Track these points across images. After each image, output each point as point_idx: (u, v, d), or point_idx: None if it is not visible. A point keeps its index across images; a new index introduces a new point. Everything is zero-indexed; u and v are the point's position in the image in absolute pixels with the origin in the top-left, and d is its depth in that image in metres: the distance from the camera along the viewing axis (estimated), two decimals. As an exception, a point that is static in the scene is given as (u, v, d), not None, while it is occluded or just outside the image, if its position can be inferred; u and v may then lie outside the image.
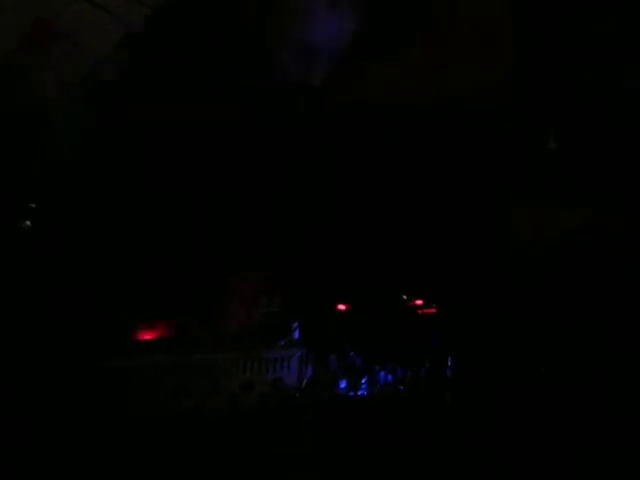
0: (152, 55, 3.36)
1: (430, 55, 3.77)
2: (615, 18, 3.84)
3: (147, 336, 2.82)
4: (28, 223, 3.01)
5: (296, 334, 2.99)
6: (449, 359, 3.21)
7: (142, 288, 3.05)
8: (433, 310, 3.50)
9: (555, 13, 3.82)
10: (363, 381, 3.09)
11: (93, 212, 3.29)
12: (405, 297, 3.49)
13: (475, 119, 3.74)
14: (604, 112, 3.80)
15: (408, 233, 3.65)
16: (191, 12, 3.40)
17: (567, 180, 3.81)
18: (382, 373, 3.14)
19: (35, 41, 3.18)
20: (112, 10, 3.19)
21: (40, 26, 3.19)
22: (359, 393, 3.07)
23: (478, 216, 3.69)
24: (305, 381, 2.95)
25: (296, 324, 2.97)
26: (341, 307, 3.34)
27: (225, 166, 3.48)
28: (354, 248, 3.59)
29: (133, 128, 3.33)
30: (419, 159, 3.73)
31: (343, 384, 3.05)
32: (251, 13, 3.57)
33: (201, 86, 3.41)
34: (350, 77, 3.68)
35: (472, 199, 3.73)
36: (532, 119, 3.88)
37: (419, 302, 3.54)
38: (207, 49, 3.39)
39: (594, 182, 3.79)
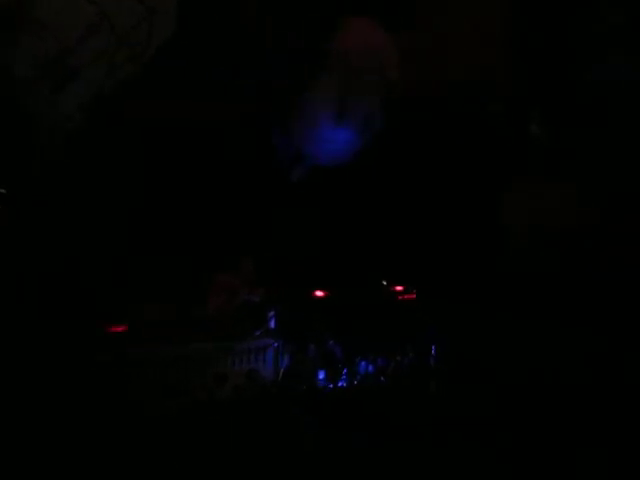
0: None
1: (419, 39, 3.65)
2: (611, 9, 3.76)
3: (116, 328, 2.67)
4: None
5: (272, 323, 2.84)
6: (433, 348, 3.08)
7: (112, 277, 2.89)
8: (414, 296, 3.38)
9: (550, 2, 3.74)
10: (343, 372, 2.95)
11: (69, 199, 3.14)
12: (385, 283, 3.36)
13: (465, 103, 3.64)
14: (598, 99, 3.71)
15: (389, 216, 3.53)
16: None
17: (559, 163, 3.73)
18: (363, 363, 3.01)
19: (2, 23, 3.05)
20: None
21: (8, 7, 3.07)
22: (339, 384, 2.93)
23: (465, 199, 3.58)
24: (281, 372, 2.81)
25: (272, 313, 2.83)
26: (319, 293, 3.21)
27: (210, 160, 3.35)
28: (332, 232, 3.47)
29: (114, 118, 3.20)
30: (405, 143, 3.61)
31: (322, 375, 2.91)
32: (251, 13, 3.45)
33: (193, 82, 3.29)
34: None
35: (460, 182, 3.62)
36: (524, 103, 3.78)
37: (399, 288, 3.41)
38: (196, 44, 3.27)
39: (587, 164, 3.71)
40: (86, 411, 2.56)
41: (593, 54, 3.70)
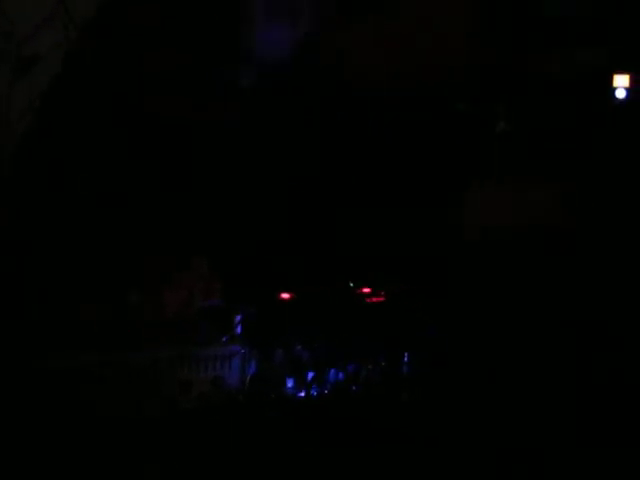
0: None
1: (383, 32, 3.55)
2: (568, 1, 3.73)
3: (77, 334, 2.48)
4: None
5: (238, 329, 2.68)
6: (404, 355, 2.95)
7: (71, 280, 2.71)
8: (382, 299, 3.25)
9: None
10: (311, 379, 2.80)
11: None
12: (352, 285, 3.23)
13: (429, 98, 3.54)
14: (559, 92, 3.67)
15: (355, 216, 3.41)
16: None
17: (521, 162, 3.67)
18: (332, 370, 2.86)
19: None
20: None
21: None
22: (307, 392, 2.78)
23: (430, 198, 3.48)
24: (248, 379, 2.65)
25: (238, 318, 2.67)
26: (285, 296, 3.06)
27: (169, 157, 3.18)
28: (296, 233, 3.32)
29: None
30: (369, 139, 3.50)
31: (290, 383, 2.76)
32: None
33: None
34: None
35: (424, 181, 3.52)
36: (487, 99, 3.71)
37: (367, 290, 3.29)
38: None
39: (549, 163, 3.66)
40: (39, 421, 2.38)
41: (550, 47, 3.65)
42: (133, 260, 2.88)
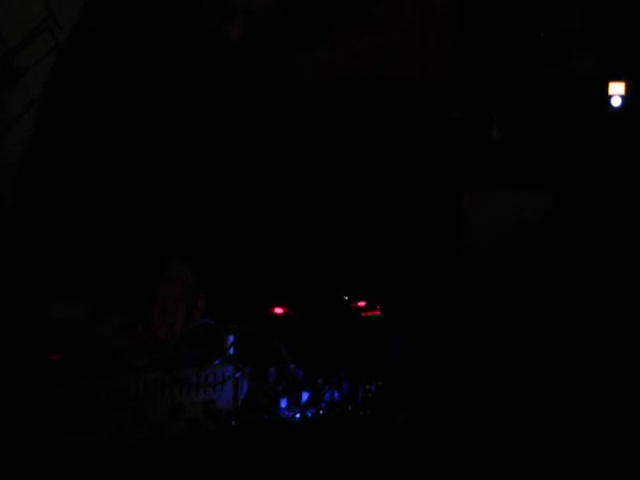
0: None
1: (372, 39, 3.53)
2: (567, 8, 3.73)
3: (55, 356, 2.39)
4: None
5: (231, 350, 2.60)
6: (402, 373, 2.88)
7: (49, 296, 2.61)
8: (378, 312, 3.18)
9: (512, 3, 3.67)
10: (305, 399, 2.72)
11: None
12: (346, 298, 3.15)
13: (421, 106, 3.52)
14: (553, 99, 3.68)
15: (349, 226, 3.35)
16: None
17: (516, 165, 3.68)
18: (327, 389, 2.78)
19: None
20: None
21: None
22: (302, 413, 2.70)
23: (424, 206, 3.45)
24: (241, 400, 2.56)
25: (231, 339, 2.58)
26: (277, 311, 2.98)
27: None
28: (286, 244, 3.26)
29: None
30: (360, 149, 3.46)
31: (284, 403, 2.68)
32: None
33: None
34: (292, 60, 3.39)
35: (418, 188, 3.48)
36: (480, 105, 3.71)
37: (362, 303, 3.21)
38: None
39: (545, 171, 3.66)
40: (20, 447, 2.28)
41: (544, 55, 3.65)
42: (119, 276, 2.79)
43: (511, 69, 3.68)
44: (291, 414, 2.61)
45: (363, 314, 2.99)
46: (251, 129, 3.24)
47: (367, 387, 2.66)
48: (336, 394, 2.68)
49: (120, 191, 2.96)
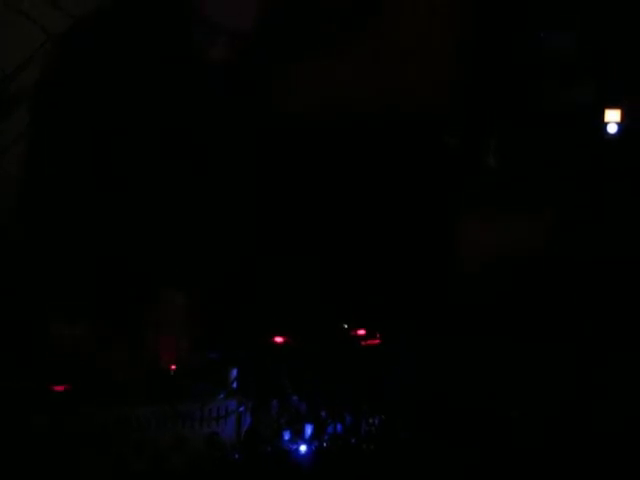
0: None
1: (369, 57, 3.53)
2: (563, 35, 3.75)
3: (58, 387, 2.37)
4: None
5: (235, 384, 2.58)
6: (403, 404, 2.87)
7: (50, 325, 2.60)
8: (377, 341, 3.17)
9: (503, 24, 3.69)
10: (308, 432, 2.71)
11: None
12: (346, 326, 3.14)
13: (416, 129, 3.52)
14: (550, 125, 3.70)
15: (348, 254, 3.35)
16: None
17: (512, 192, 3.69)
18: (330, 422, 2.77)
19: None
20: (31, 15, 2.83)
21: None
22: (305, 446, 2.69)
23: (422, 232, 3.45)
24: (244, 432, 2.55)
25: (235, 373, 2.57)
26: (278, 340, 2.96)
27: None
28: (286, 272, 3.26)
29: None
30: (356, 172, 3.46)
31: (287, 436, 2.66)
32: None
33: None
34: (277, 79, 3.38)
35: (415, 214, 3.48)
36: (477, 131, 3.72)
37: (361, 332, 3.20)
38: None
39: (541, 197, 3.68)
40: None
41: (540, 81, 3.67)
42: (117, 302, 2.78)
43: (507, 95, 3.70)
44: (294, 446, 2.59)
45: (363, 343, 2.97)
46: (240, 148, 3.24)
47: (370, 420, 2.65)
48: (339, 426, 2.67)
49: (118, 214, 2.95)
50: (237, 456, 2.45)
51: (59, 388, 2.38)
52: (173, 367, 2.55)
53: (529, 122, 3.68)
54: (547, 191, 3.60)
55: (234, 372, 2.50)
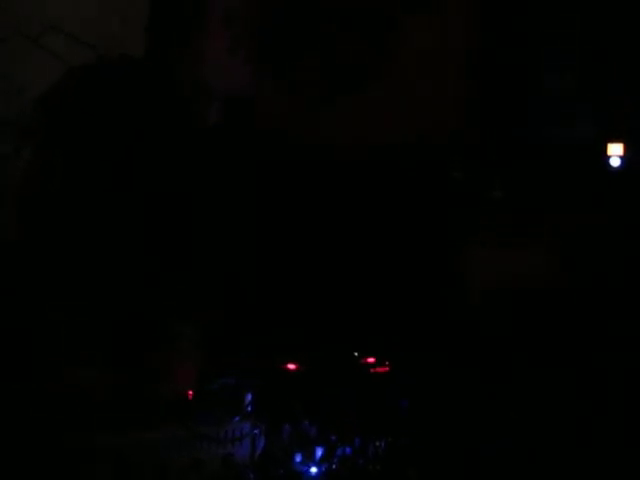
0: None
1: (380, 98, 3.61)
2: (569, 69, 3.81)
3: (83, 411, 2.49)
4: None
5: (249, 408, 2.70)
6: (410, 427, 2.97)
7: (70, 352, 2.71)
8: (386, 369, 3.26)
9: (510, 60, 3.75)
10: (319, 454, 2.82)
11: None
12: (357, 354, 3.24)
13: (426, 164, 3.59)
14: (553, 159, 3.74)
15: (355, 283, 3.43)
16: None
17: (518, 228, 3.72)
18: (340, 444, 2.88)
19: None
20: (51, 49, 2.93)
21: None
22: (316, 468, 2.79)
23: (429, 263, 3.52)
24: (258, 454, 2.66)
25: (249, 397, 2.69)
26: (291, 367, 3.07)
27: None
28: (297, 302, 3.34)
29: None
30: (367, 206, 3.53)
31: (299, 458, 2.77)
32: None
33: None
34: (296, 118, 3.47)
35: (423, 246, 3.55)
36: (482, 165, 3.77)
37: (371, 360, 3.30)
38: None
39: (546, 230, 3.72)
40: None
41: (544, 116, 3.72)
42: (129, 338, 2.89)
43: (511, 131, 3.75)
44: (306, 468, 2.69)
45: (372, 370, 3.06)
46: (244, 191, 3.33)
47: (377, 443, 2.75)
48: (348, 449, 2.77)
49: (134, 258, 3.05)
50: (251, 476, 2.55)
51: (89, 414, 2.48)
52: (191, 393, 2.65)
53: (533, 157, 3.73)
54: (550, 223, 3.65)
55: (249, 397, 2.61)
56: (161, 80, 3.20)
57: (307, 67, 3.60)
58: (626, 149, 3.84)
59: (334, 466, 2.76)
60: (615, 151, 3.85)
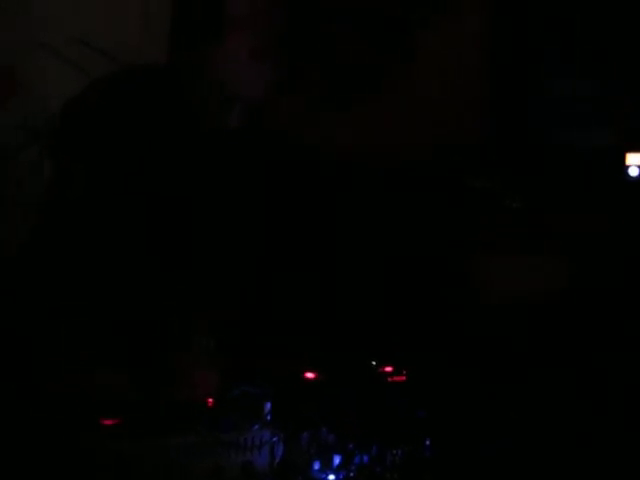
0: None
1: (398, 106, 3.65)
2: (587, 82, 3.83)
3: (106, 421, 2.54)
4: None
5: (269, 416, 2.75)
6: (427, 437, 3.01)
7: (94, 361, 2.77)
8: (403, 378, 3.31)
9: (530, 74, 3.78)
10: (337, 461, 2.86)
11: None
12: (374, 363, 3.29)
13: (444, 173, 3.63)
14: (571, 169, 3.77)
15: (373, 292, 3.48)
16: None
17: (532, 234, 3.76)
18: (357, 452, 2.92)
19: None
20: (75, 61, 3.00)
21: (1, 74, 3.01)
22: (334, 475, 2.84)
23: (446, 271, 3.56)
24: (277, 462, 2.71)
25: (269, 405, 2.74)
26: (309, 375, 3.12)
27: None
28: (317, 310, 3.39)
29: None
30: (384, 212, 3.57)
31: (317, 465, 2.82)
32: None
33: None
34: (313, 125, 3.51)
35: (441, 255, 3.59)
36: (498, 174, 3.81)
37: (389, 369, 3.34)
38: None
39: (563, 240, 3.74)
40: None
41: (560, 125, 3.75)
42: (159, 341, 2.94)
43: (528, 138, 3.78)
44: (324, 476, 2.74)
45: (390, 379, 3.11)
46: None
47: (394, 452, 2.79)
48: (365, 457, 2.81)
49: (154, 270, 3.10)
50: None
51: (108, 422, 2.53)
52: (211, 400, 2.70)
53: (549, 166, 3.76)
54: (567, 233, 3.68)
55: (268, 405, 2.65)
56: (182, 86, 3.24)
57: (322, 69, 3.64)
58: (645, 159, 3.88)
59: (352, 474, 2.80)
60: (634, 161, 3.88)
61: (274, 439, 2.70)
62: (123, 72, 3.21)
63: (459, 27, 3.84)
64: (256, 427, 2.69)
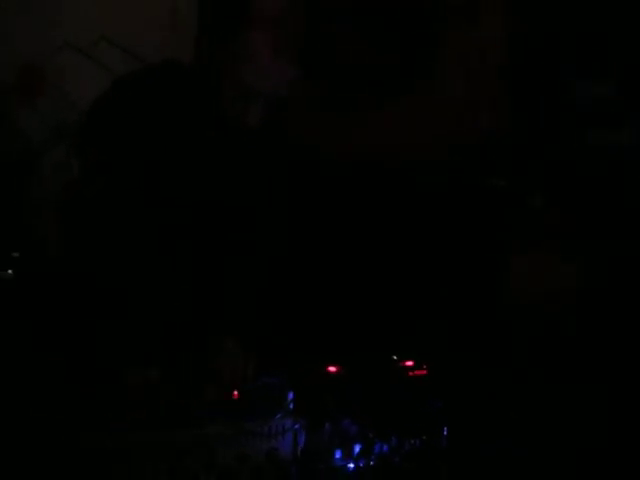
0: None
1: (421, 106, 3.67)
2: (608, 82, 3.84)
3: (135, 413, 2.62)
4: (10, 272, 2.82)
5: (291, 406, 2.82)
6: (444, 428, 3.06)
7: (123, 356, 2.84)
8: (424, 372, 3.36)
9: (550, 73, 3.79)
10: (357, 451, 2.93)
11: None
12: (395, 358, 3.34)
13: (466, 173, 3.66)
14: (596, 168, 3.77)
15: (397, 288, 3.51)
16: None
17: (564, 230, 3.75)
18: (377, 442, 2.99)
19: (23, 88, 3.04)
20: (101, 60, 3.05)
21: (28, 73, 3.07)
22: (354, 464, 2.90)
23: (473, 268, 3.58)
24: (300, 450, 2.78)
25: (291, 395, 2.81)
26: (332, 369, 3.18)
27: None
28: (340, 306, 3.44)
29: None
30: (409, 212, 3.61)
31: (338, 454, 2.89)
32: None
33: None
34: (334, 128, 3.55)
35: (466, 251, 3.62)
36: (524, 174, 3.82)
37: (410, 363, 3.39)
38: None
39: (591, 233, 3.74)
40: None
41: (582, 126, 3.76)
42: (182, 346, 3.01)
43: (552, 139, 3.79)
44: (345, 464, 2.80)
45: (410, 373, 3.15)
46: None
47: (412, 441, 2.85)
48: (385, 447, 2.87)
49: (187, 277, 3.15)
50: (294, 470, 2.66)
51: (140, 414, 2.61)
52: (236, 393, 2.77)
53: (575, 165, 3.77)
54: (593, 231, 3.69)
55: (290, 395, 2.72)
56: (207, 84, 3.29)
57: (344, 70, 3.67)
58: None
59: (372, 462, 2.86)
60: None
61: (296, 426, 2.76)
62: (147, 70, 3.25)
63: (481, 24, 3.85)
64: (279, 416, 2.76)
